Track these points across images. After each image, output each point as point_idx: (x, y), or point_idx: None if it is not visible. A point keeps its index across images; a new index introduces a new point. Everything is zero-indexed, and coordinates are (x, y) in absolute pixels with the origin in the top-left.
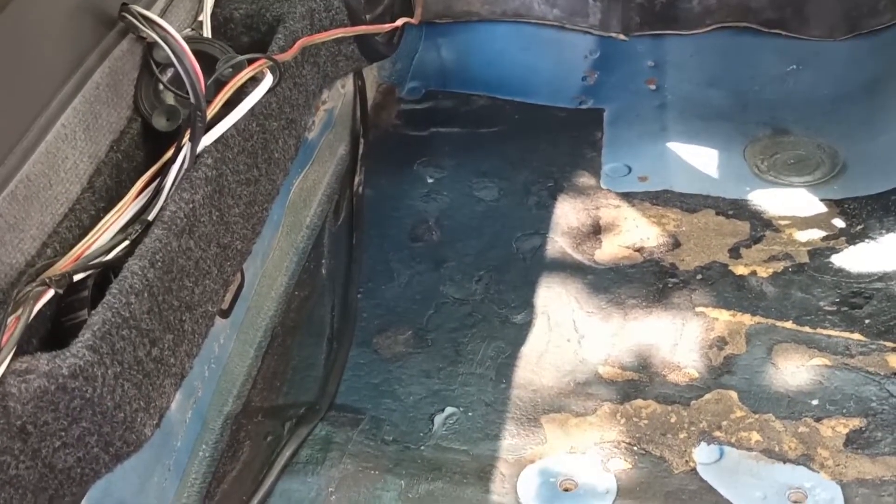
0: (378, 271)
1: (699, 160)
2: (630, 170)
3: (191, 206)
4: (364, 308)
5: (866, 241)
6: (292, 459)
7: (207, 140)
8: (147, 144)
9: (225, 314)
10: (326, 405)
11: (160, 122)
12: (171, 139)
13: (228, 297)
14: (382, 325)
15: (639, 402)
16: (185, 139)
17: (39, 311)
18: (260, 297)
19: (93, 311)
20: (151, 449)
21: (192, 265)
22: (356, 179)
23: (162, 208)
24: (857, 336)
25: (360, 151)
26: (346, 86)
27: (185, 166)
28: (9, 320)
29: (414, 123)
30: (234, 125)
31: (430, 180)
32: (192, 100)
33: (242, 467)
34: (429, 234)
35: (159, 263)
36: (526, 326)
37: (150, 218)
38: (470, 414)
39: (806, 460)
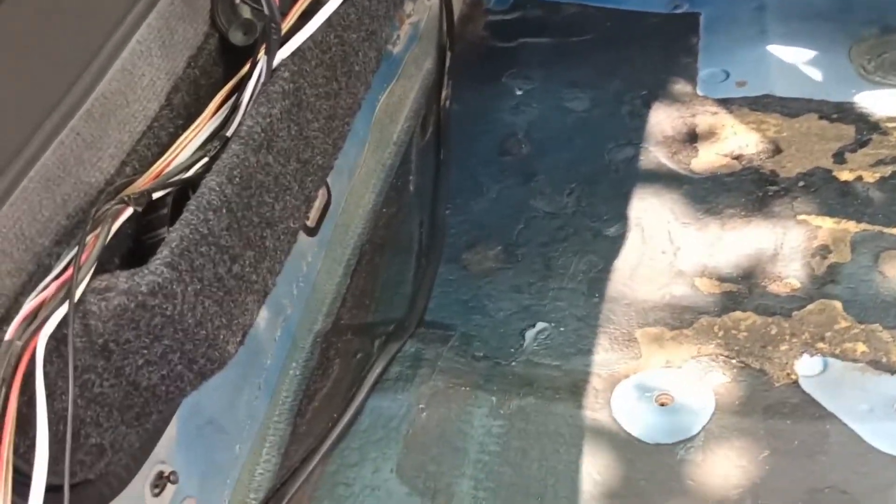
0: (466, 186)
1: (801, 63)
2: (728, 75)
3: (268, 120)
4: (452, 224)
5: None
6: (382, 377)
7: (284, 53)
8: (225, 60)
9: (312, 232)
10: (415, 322)
11: (237, 37)
12: (249, 54)
13: (314, 214)
14: (471, 241)
15: (738, 314)
16: (261, 53)
17: (120, 230)
18: (347, 215)
19: (171, 229)
20: (239, 367)
21: (271, 181)
22: (443, 94)
23: (239, 124)
24: None
25: (447, 65)
26: None
27: (262, 80)
28: (88, 238)
29: (501, 35)
30: (311, 37)
31: (518, 92)
32: (266, 11)
33: (332, 385)
34: (518, 147)
35: (237, 179)
36: (619, 239)
37: (229, 134)
38: (562, 329)
39: None
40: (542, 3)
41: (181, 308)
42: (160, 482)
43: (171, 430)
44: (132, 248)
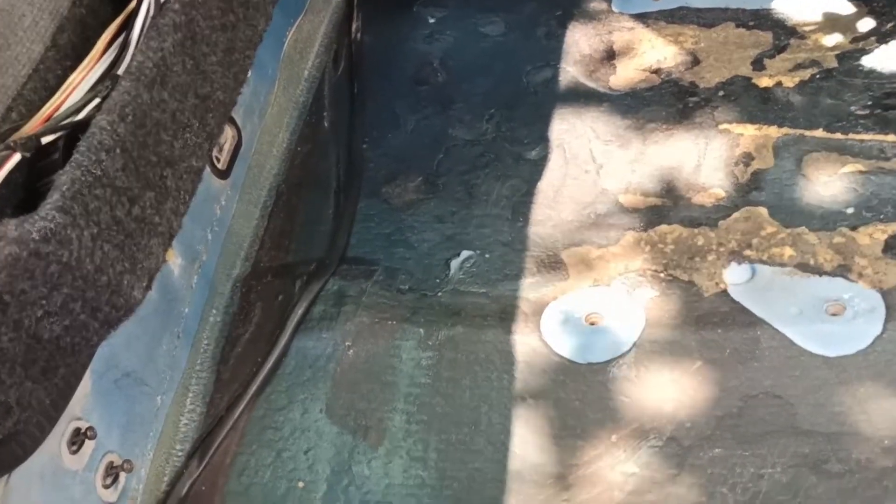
0: (383, 119)
1: None
2: None
3: (160, 54)
4: (370, 158)
5: None
6: (305, 317)
7: None
8: None
9: (224, 175)
10: (337, 259)
11: None
12: None
13: (225, 157)
14: (391, 174)
15: (663, 227)
16: None
17: (10, 178)
18: (261, 156)
19: (61, 172)
20: (156, 316)
21: (167, 118)
22: (354, 26)
23: (130, 60)
24: (892, 137)
25: None
26: None
27: (151, 14)
28: None
29: None
30: None
31: (431, 20)
32: None
33: (255, 329)
34: (434, 76)
35: (130, 117)
36: (541, 162)
37: (120, 72)
38: (487, 256)
39: (843, 271)
40: None
41: (78, 254)
42: (77, 439)
43: (86, 385)
44: (25, 198)
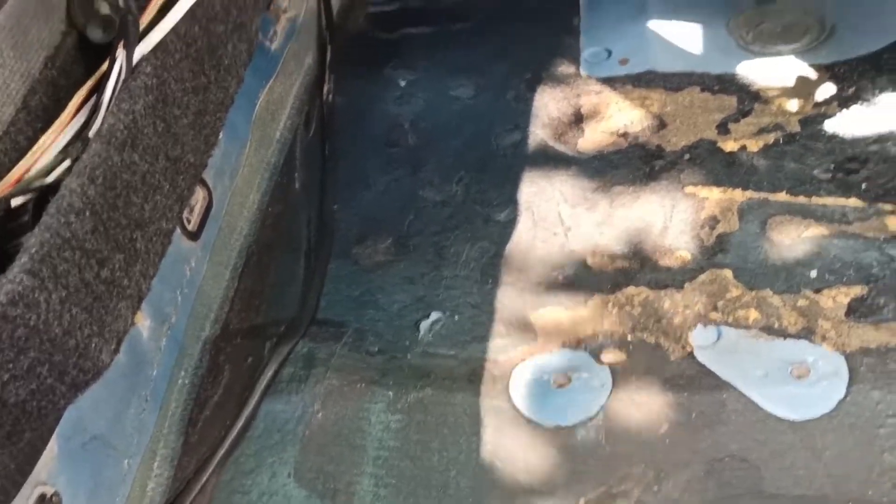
0: (354, 180)
1: (681, 37)
2: (610, 53)
3: (131, 117)
4: (341, 219)
5: (859, 103)
6: (274, 379)
7: (145, 48)
8: (85, 59)
9: (194, 237)
10: (307, 321)
11: (96, 34)
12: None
13: (196, 218)
14: (361, 235)
15: (630, 289)
16: (120, 48)
17: None
18: (232, 217)
19: (30, 234)
20: (124, 379)
21: (138, 180)
22: (325, 88)
23: (101, 123)
24: (854, 202)
25: (328, 59)
26: None
27: (123, 77)
28: None
29: (383, 26)
30: (175, 30)
31: (402, 83)
32: (122, 4)
33: (224, 392)
34: (404, 138)
35: (100, 179)
36: (510, 224)
37: (91, 135)
38: (456, 317)
39: (807, 334)
40: None
41: (46, 317)
42: None
43: (52, 449)
44: None
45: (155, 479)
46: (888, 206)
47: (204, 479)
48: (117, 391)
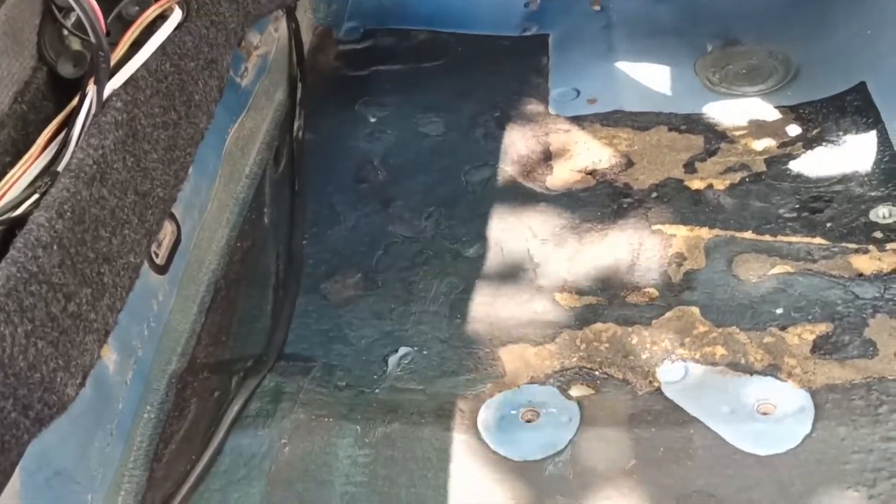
0: (323, 216)
1: (649, 78)
2: (578, 93)
3: (100, 152)
4: (310, 254)
5: (824, 144)
6: (241, 413)
7: (115, 83)
8: (56, 94)
9: (162, 270)
10: (274, 356)
11: (66, 69)
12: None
13: (164, 252)
14: (330, 270)
15: (598, 325)
16: (91, 83)
17: None
18: (200, 251)
19: None
20: (89, 413)
21: (107, 215)
22: (296, 124)
23: (70, 157)
24: (818, 240)
25: (299, 96)
26: (279, 30)
27: (93, 112)
28: None
29: (353, 64)
30: (145, 66)
31: (372, 119)
32: (93, 40)
33: (190, 426)
34: (374, 174)
35: (68, 214)
36: (479, 260)
37: (60, 169)
38: (425, 352)
39: (773, 370)
40: (394, 30)
41: (11, 351)
42: None
43: (15, 483)
44: None
45: None
46: (852, 245)
47: None
48: (82, 425)
